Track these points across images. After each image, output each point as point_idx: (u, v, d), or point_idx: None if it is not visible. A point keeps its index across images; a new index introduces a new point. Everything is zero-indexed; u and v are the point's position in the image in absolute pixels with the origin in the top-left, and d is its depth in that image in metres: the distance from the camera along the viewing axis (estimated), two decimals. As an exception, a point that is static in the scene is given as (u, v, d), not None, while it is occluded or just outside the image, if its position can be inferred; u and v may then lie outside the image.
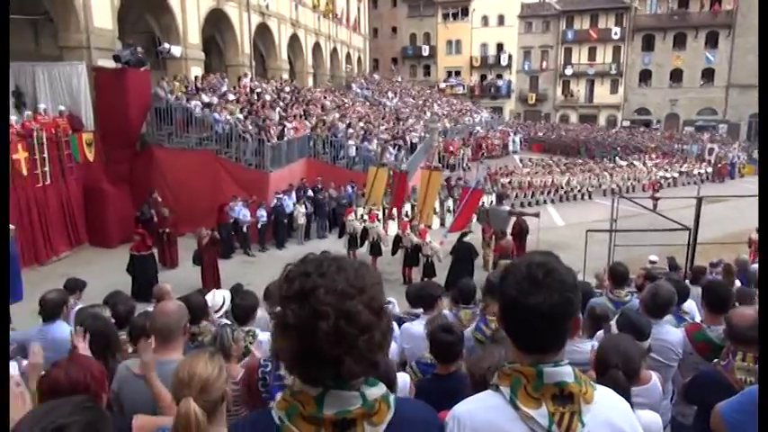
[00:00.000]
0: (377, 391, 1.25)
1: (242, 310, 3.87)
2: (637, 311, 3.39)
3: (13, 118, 12.75)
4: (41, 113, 13.24)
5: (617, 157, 31.40)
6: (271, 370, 2.90)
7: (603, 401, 1.38)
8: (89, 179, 14.24)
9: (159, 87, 16.07)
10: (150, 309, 5.12)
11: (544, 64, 48.56)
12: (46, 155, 12.73)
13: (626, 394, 1.90)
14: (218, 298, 4.15)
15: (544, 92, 48.89)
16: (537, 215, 13.41)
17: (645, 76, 45.78)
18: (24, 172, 12.23)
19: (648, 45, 45.32)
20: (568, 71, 47.58)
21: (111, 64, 14.96)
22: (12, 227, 10.91)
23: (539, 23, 48.39)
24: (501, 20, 48.73)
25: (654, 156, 32.04)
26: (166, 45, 18.07)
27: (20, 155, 12.13)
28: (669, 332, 3.41)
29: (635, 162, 29.44)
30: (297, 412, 1.20)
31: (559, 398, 1.32)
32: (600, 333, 3.37)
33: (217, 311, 4.10)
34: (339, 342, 1.13)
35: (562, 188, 23.84)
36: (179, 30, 19.03)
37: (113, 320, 3.94)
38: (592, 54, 46.87)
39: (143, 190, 14.73)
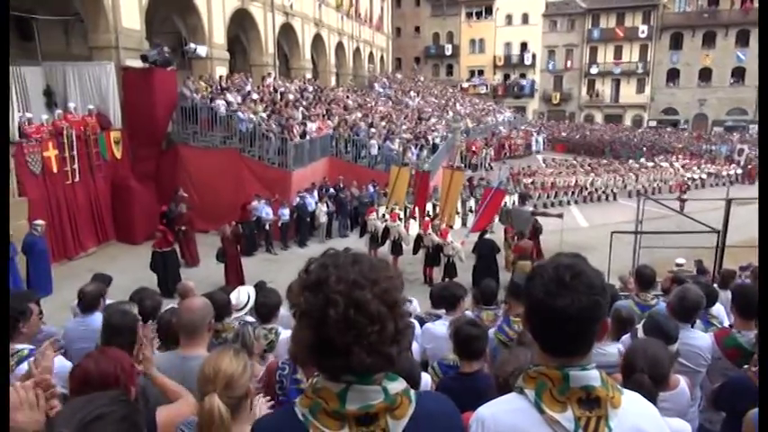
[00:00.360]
0: (398, 385, 1.25)
1: (265, 307, 3.90)
2: (664, 315, 3.33)
3: (44, 116, 13.09)
4: (71, 112, 13.55)
5: (643, 158, 30.86)
6: (288, 373, 2.93)
7: (631, 407, 1.35)
8: (116, 177, 14.52)
9: (185, 87, 16.31)
10: (175, 305, 5.20)
11: (569, 63, 47.98)
12: (75, 153, 13.03)
13: (652, 399, 1.87)
14: (243, 295, 4.19)
15: (568, 91, 48.30)
16: (560, 216, 13.25)
17: (672, 76, 44.91)
18: (54, 169, 12.53)
19: (677, 43, 44.45)
20: (594, 70, 46.92)
21: (138, 64, 15.24)
22: (42, 222, 11.22)
23: (564, 22, 47.81)
24: (525, 18, 48.27)
25: (681, 156, 31.41)
26: (192, 45, 18.32)
27: (50, 152, 12.43)
28: (697, 337, 3.34)
29: (661, 163, 28.89)
30: (320, 408, 1.21)
31: (586, 402, 1.30)
32: (626, 337, 3.32)
33: (241, 309, 4.14)
34: (348, 330, 1.15)
35: (586, 189, 23.52)
36: (205, 30, 19.28)
37: (140, 316, 4.01)
38: (618, 53, 46.15)
39: (168, 188, 14.99)
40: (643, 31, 44.66)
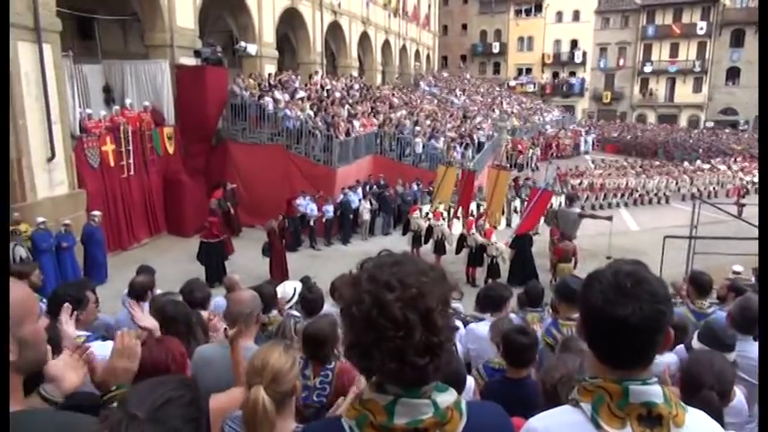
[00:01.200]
0: (448, 398, 1.21)
1: (310, 302, 3.96)
2: (721, 324, 3.18)
3: (102, 112, 13.67)
4: (128, 108, 14.08)
5: (698, 160, 29.61)
6: (300, 367, 2.95)
7: (696, 426, 1.27)
8: (168, 171, 15.01)
9: (235, 84, 16.70)
10: (222, 297, 5.33)
11: (621, 61, 46.53)
12: (131, 147, 13.53)
13: (719, 419, 1.77)
14: (290, 289, 4.26)
15: (620, 90, 46.85)
16: (609, 219, 12.88)
17: (732, 74, 42.89)
18: (111, 163, 13.06)
19: (737, 41, 42.41)
20: (647, 68, 45.33)
21: (192, 62, 15.71)
22: (98, 213, 11.72)
23: (617, 19, 46.39)
24: (576, 15, 47.11)
25: (740, 159, 29.96)
26: (243, 44, 18.74)
27: (108, 147, 12.97)
28: (756, 349, 3.18)
29: (719, 165, 27.64)
30: (367, 421, 1.17)
31: (646, 419, 1.23)
32: (680, 347, 3.19)
33: (287, 302, 4.21)
34: (369, 331, 1.12)
35: (637, 191, 22.76)
36: (255, 28, 19.67)
37: (189, 306, 4.12)
38: (674, 50, 44.42)
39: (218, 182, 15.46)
40: (701, 28, 42.83)
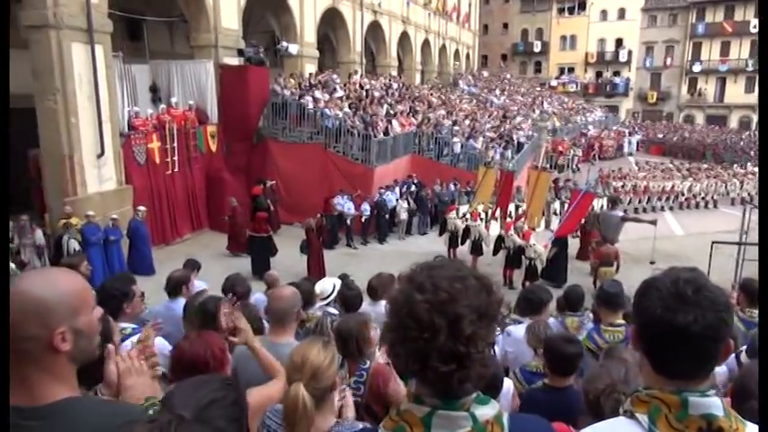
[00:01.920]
0: (489, 411, 1.16)
1: (348, 299, 3.99)
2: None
3: (149, 111, 14.10)
4: (173, 107, 14.48)
5: (749, 163, 28.41)
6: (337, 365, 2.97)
7: None
8: (211, 168, 15.37)
9: (276, 83, 16.96)
10: (262, 293, 5.42)
11: (668, 60, 45.09)
12: (175, 145, 13.92)
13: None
14: (329, 285, 4.31)
15: (667, 90, 45.40)
16: (654, 222, 12.52)
17: (788, 74, 40.93)
18: (157, 160, 13.46)
19: (795, 38, 40.47)
20: (696, 68, 43.77)
21: (235, 62, 16.04)
22: (144, 209, 12.11)
23: (664, 16, 44.97)
24: (622, 13, 45.90)
25: (795, 162, 28.57)
26: (284, 43, 19.03)
27: (154, 144, 13.38)
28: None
29: (772, 169, 26.42)
30: None
31: None
32: (731, 358, 3.07)
33: (325, 298, 4.25)
34: (396, 330, 1.13)
35: (683, 194, 21.99)
36: (297, 28, 19.94)
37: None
38: (725, 49, 42.75)
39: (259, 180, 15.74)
40: (755, 26, 41.07)
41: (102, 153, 11.91)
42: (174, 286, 4.49)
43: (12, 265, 9.19)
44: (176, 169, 14.05)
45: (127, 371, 1.64)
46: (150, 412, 1.50)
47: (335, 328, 2.99)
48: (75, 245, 10.49)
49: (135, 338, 2.91)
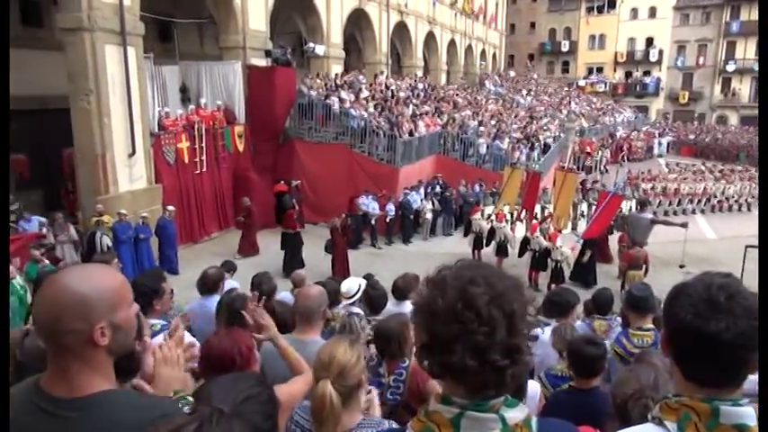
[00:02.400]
0: (518, 414, 1.15)
1: (374, 298, 4.01)
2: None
3: (178, 111, 14.36)
4: (202, 107, 14.71)
5: (786, 165, 27.53)
6: (374, 366, 2.99)
7: None
8: (238, 168, 15.58)
9: (302, 84, 17.10)
10: (288, 292, 5.48)
11: (701, 59, 44.03)
12: (204, 145, 14.14)
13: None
14: (354, 285, 4.33)
15: (699, 90, 44.34)
16: (684, 225, 12.25)
17: (828, 73, 39.59)
18: (186, 160, 13.70)
19: (835, 37, 39.13)
20: (730, 67, 42.63)
21: (262, 62, 16.24)
22: (172, 208, 12.34)
23: (697, 15, 43.92)
24: (653, 12, 45.00)
25: (835, 165, 27.63)
26: (311, 44, 19.17)
27: (183, 144, 13.61)
28: None
29: (809, 171, 25.60)
30: None
31: None
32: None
33: (350, 297, 4.28)
34: (452, 323, 1.10)
35: (715, 197, 21.46)
36: (323, 29, 20.07)
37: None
38: (761, 48, 41.56)
39: (284, 180, 15.91)
40: (793, 24, 39.82)
41: (134, 152, 12.17)
42: (209, 284, 4.53)
43: (46, 261, 9.47)
44: (204, 169, 14.27)
45: (162, 360, 1.67)
46: (181, 405, 1.53)
47: (376, 327, 3.02)
48: (107, 241, 10.75)
49: (165, 333, 2.98)
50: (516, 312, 1.12)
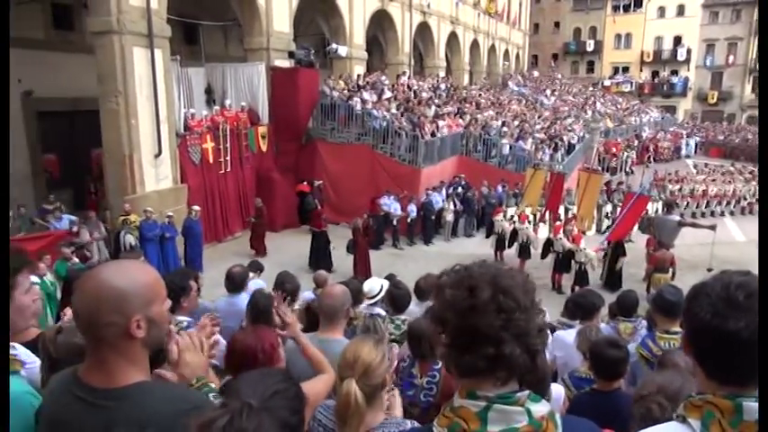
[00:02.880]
0: (542, 408, 1.18)
1: (397, 298, 4.03)
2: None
3: (204, 112, 14.58)
4: (227, 108, 14.91)
5: (820, 167, 26.74)
6: (407, 367, 2.99)
7: None
8: (261, 168, 15.74)
9: (325, 85, 17.20)
10: (311, 292, 5.53)
11: (731, 58, 43.04)
12: (228, 145, 14.33)
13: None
14: (376, 285, 4.35)
15: (728, 90, 43.34)
16: (712, 228, 12.00)
17: None
18: (210, 160, 13.90)
19: None
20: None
21: (286, 64, 16.39)
22: (197, 208, 12.52)
23: (727, 12, 42.96)
24: (681, 10, 44.14)
25: None
26: (334, 46, 19.28)
27: (208, 144, 13.82)
28: None
29: None
30: (459, 429, 1.16)
31: None
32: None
33: (372, 297, 4.30)
34: (498, 314, 1.14)
35: (745, 199, 20.95)
36: (346, 31, 20.17)
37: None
38: (794, 46, 40.42)
39: (306, 181, 16.04)
40: (828, 21, 38.70)
41: (160, 153, 12.39)
42: (237, 282, 4.60)
43: (75, 259, 9.70)
44: (228, 169, 14.45)
45: (186, 347, 1.71)
46: (205, 393, 1.60)
47: (408, 327, 3.04)
48: (131, 240, 10.97)
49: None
50: (535, 299, 1.21)
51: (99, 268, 1.42)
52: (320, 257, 12.56)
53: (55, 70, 14.30)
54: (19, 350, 1.76)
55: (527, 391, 1.18)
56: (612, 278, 11.76)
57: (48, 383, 1.54)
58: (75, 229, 10.90)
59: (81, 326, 1.37)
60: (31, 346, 2.15)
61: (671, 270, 10.53)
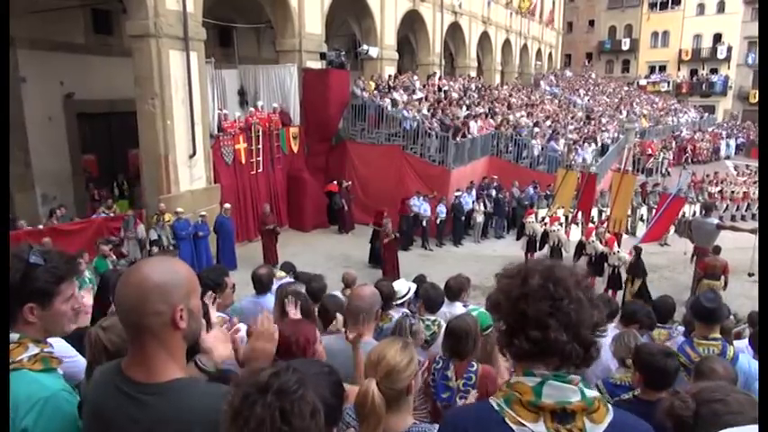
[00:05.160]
0: (594, 392, 1.26)
1: (432, 298, 4.04)
2: None
3: (237, 113, 14.81)
4: (259, 110, 15.11)
5: None
6: (441, 368, 2.97)
7: None
8: (292, 169, 15.90)
9: (355, 86, 17.27)
10: (338, 292, 5.55)
11: (774, 56, 41.48)
12: (260, 146, 14.53)
13: None
14: (404, 287, 4.35)
15: (772, 88, 41.78)
16: (754, 232, 11.58)
17: None
18: (243, 160, 14.12)
19: None
20: (807, 64, 39.98)
21: (317, 65, 16.52)
22: (229, 206, 12.74)
23: (771, 9, 41.45)
24: (721, 6, 42.81)
25: None
26: (365, 47, 19.34)
27: (240, 145, 14.04)
28: None
29: None
30: (515, 399, 1.24)
31: None
32: None
33: (399, 299, 4.30)
34: (544, 299, 1.22)
35: (789, 202, 20.17)
36: (377, 32, 20.21)
37: (309, 296, 4.34)
38: (843, 43, 38.79)
39: (336, 181, 16.14)
40: None
41: (194, 153, 12.64)
42: (264, 282, 4.63)
43: (113, 256, 9.99)
44: (260, 169, 14.64)
45: (258, 335, 1.84)
46: None
47: (449, 325, 3.04)
48: (153, 234, 11.34)
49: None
50: (593, 296, 1.28)
51: (140, 263, 1.49)
52: (379, 255, 12.84)
53: (94, 73, 14.75)
54: (56, 346, 1.80)
55: (579, 377, 1.26)
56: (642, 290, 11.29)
57: (92, 375, 1.60)
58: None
59: (125, 318, 1.42)
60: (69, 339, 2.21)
61: (723, 278, 10.07)
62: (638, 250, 10.97)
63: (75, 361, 2.29)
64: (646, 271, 10.92)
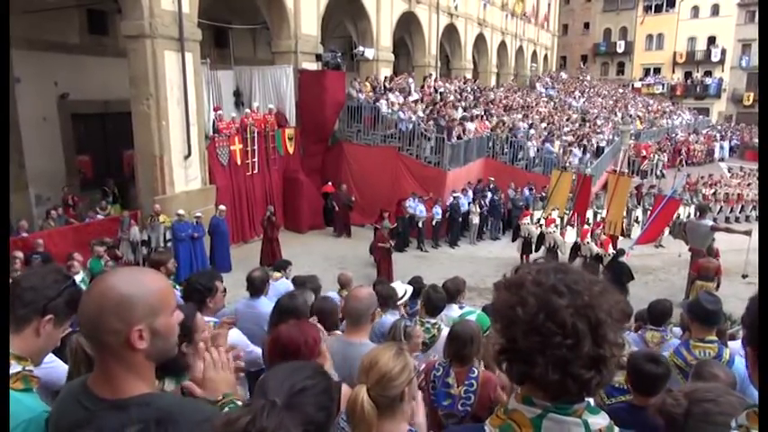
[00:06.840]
0: (601, 420, 1.13)
1: (434, 301, 4.03)
2: None
3: (232, 114, 14.77)
4: (255, 111, 15.07)
5: None
6: (441, 375, 2.96)
7: None
8: (288, 170, 15.86)
9: (351, 87, 17.25)
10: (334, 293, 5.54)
11: None
12: (256, 147, 14.48)
13: None
14: (400, 289, 4.33)
15: (765, 91, 42.02)
16: (748, 233, 11.63)
17: None
18: (238, 161, 14.07)
19: None
20: (801, 67, 40.21)
21: (313, 66, 16.49)
22: (223, 207, 12.69)
23: (764, 12, 41.70)
24: (715, 9, 43.03)
25: None
26: (361, 48, 19.33)
27: (236, 146, 13.99)
28: None
29: None
30: (511, 431, 1.13)
31: None
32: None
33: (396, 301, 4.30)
34: (532, 335, 1.06)
35: (783, 204, 20.27)
36: (373, 33, 20.20)
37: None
38: (835, 46, 39.04)
39: (332, 183, 16.09)
40: None
41: (189, 154, 12.59)
42: (257, 285, 4.59)
43: (107, 258, 9.92)
44: (256, 170, 14.59)
45: (211, 364, 1.68)
46: (227, 410, 1.51)
47: (452, 329, 3.02)
48: (144, 236, 11.33)
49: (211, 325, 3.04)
50: (603, 322, 1.08)
51: (108, 273, 1.37)
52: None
53: (88, 73, 14.69)
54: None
55: (585, 402, 1.13)
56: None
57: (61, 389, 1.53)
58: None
59: (85, 332, 1.33)
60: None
61: (716, 280, 10.10)
62: (619, 253, 11.08)
63: (54, 367, 2.23)
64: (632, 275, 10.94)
